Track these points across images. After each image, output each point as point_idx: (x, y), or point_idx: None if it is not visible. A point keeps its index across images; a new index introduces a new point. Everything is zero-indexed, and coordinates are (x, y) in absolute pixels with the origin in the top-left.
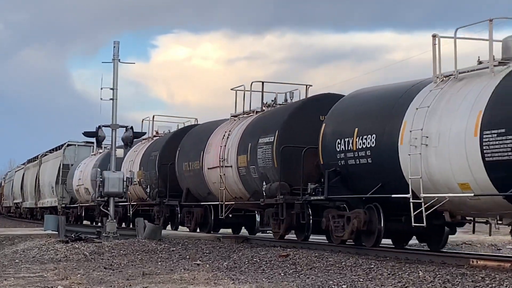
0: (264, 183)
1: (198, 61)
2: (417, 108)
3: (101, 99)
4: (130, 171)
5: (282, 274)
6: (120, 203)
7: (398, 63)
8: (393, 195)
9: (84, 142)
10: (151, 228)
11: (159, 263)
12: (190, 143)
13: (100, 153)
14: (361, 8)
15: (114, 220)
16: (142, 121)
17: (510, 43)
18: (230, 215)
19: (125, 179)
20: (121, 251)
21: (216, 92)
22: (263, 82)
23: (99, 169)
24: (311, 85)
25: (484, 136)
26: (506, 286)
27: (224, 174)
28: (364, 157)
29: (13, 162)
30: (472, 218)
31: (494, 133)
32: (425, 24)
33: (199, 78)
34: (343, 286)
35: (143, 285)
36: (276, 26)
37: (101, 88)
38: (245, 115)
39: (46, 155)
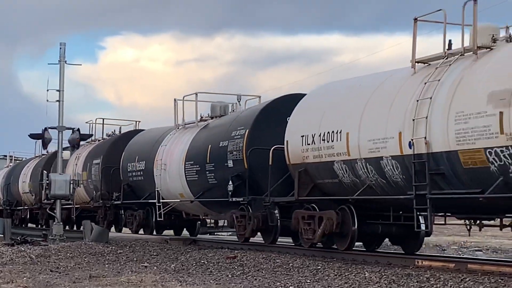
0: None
1: (147, 62)
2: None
3: (47, 100)
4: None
5: (230, 276)
6: (63, 206)
7: (345, 65)
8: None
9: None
10: (98, 230)
11: (106, 265)
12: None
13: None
14: (310, 11)
15: (61, 223)
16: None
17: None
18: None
19: (71, 182)
20: (68, 254)
21: (164, 94)
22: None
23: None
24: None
25: (186, 165)
26: (450, 286)
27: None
28: None
29: None
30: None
31: (188, 163)
32: (371, 27)
33: (148, 80)
34: (290, 287)
35: None
36: (225, 28)
37: (47, 90)
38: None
39: None
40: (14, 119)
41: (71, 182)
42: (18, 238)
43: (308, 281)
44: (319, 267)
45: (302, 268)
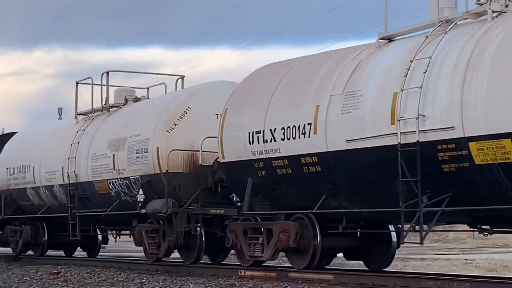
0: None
1: None
2: None
3: None
4: None
5: None
6: None
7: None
8: None
9: None
10: None
11: None
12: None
13: None
14: (131, 24)
15: None
16: None
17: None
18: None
19: None
20: None
21: None
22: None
23: None
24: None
25: None
26: None
27: None
28: None
29: None
30: None
31: None
32: (192, 40)
33: None
34: None
35: None
36: (44, 42)
37: None
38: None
39: None
40: None
41: None
42: None
43: None
44: (144, 280)
45: (127, 281)
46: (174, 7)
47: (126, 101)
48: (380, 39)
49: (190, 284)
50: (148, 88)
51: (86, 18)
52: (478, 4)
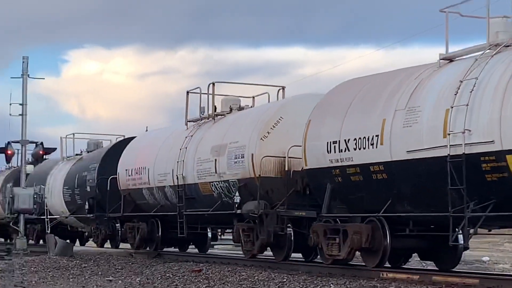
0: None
1: (110, 75)
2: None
3: (10, 114)
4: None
5: None
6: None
7: (308, 77)
8: None
9: None
10: (62, 244)
11: (71, 279)
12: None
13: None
14: (272, 24)
15: (24, 237)
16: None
17: None
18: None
19: (35, 196)
20: (32, 268)
21: (127, 107)
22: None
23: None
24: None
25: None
26: None
27: None
28: None
29: None
30: None
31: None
32: (334, 40)
33: (111, 92)
34: None
35: None
36: (188, 41)
37: (10, 104)
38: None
39: None
40: None
41: (35, 196)
42: None
43: None
44: (285, 279)
45: (267, 281)
46: (317, 6)
47: (231, 109)
48: (441, 59)
49: (331, 285)
50: (253, 98)
51: (229, 17)
52: None
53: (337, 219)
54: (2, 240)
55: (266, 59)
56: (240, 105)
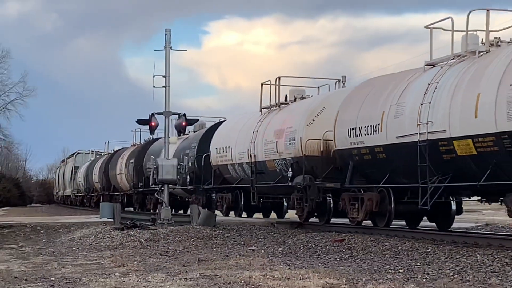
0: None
1: (250, 46)
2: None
3: (153, 86)
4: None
5: (338, 259)
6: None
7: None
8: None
9: (90, 150)
10: (205, 214)
11: (214, 249)
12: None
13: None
14: None
15: (169, 207)
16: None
17: None
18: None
19: (178, 166)
20: (176, 238)
21: (268, 77)
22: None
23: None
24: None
25: None
26: None
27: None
28: None
29: (66, 151)
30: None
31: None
32: (479, 2)
33: (251, 63)
34: (400, 270)
35: (199, 271)
36: (328, 10)
37: (154, 76)
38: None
39: (68, 158)
40: (119, 104)
41: (178, 167)
42: (128, 222)
43: (418, 264)
44: (429, 250)
45: (411, 251)
46: None
47: (295, 99)
48: (426, 65)
49: (478, 255)
50: (318, 88)
51: None
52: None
53: (356, 189)
54: (132, 209)
55: (408, 26)
56: (303, 95)
